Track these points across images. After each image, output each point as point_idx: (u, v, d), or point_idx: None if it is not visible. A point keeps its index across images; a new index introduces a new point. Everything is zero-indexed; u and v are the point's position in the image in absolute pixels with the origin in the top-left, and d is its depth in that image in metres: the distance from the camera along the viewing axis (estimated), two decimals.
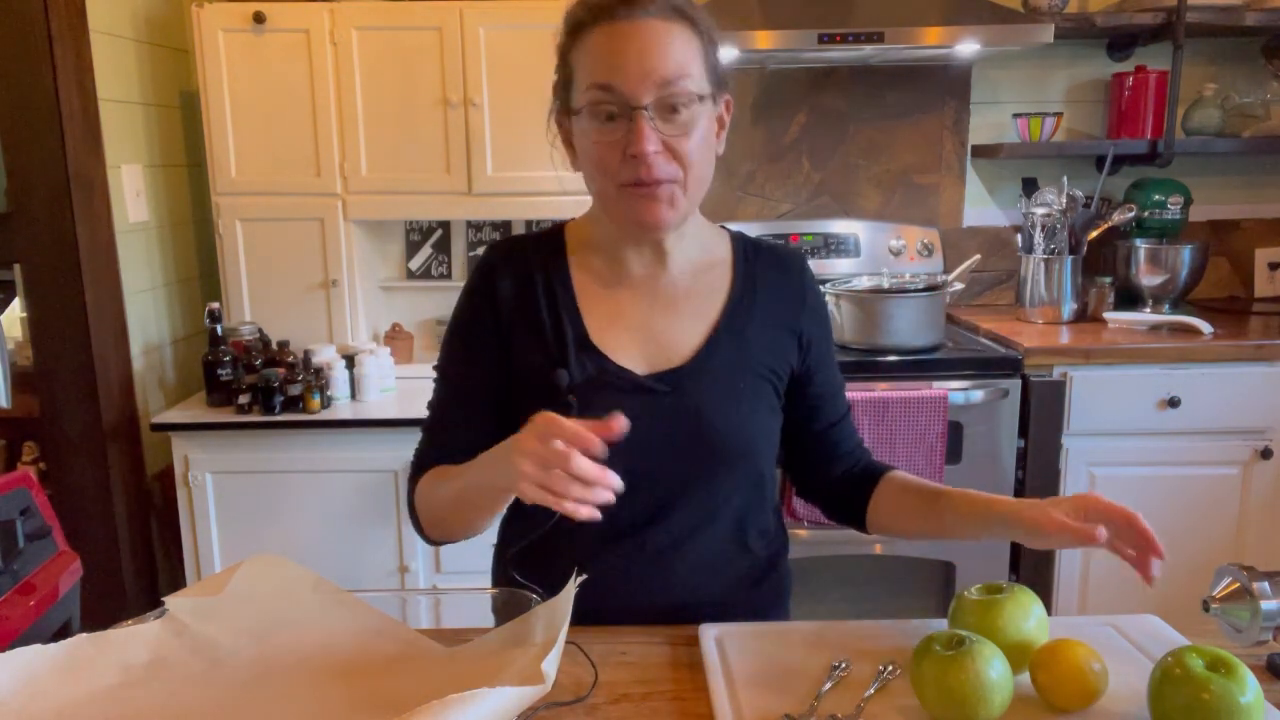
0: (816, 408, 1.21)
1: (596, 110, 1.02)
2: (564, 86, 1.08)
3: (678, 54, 1.01)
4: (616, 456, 1.05)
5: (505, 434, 0.94)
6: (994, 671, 0.85)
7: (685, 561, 1.13)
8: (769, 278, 1.18)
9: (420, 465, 1.16)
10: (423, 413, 1.19)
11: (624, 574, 1.12)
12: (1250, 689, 0.79)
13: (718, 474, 1.12)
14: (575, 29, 1.05)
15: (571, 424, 0.85)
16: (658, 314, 1.14)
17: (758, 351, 1.14)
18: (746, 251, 1.19)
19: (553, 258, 1.15)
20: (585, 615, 0.97)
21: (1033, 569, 2.42)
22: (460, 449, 1.06)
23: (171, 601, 0.96)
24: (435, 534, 1.15)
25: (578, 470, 0.84)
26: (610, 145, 1.02)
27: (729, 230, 1.22)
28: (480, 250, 2.77)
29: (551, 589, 0.95)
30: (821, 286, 1.31)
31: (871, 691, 0.92)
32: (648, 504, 1.10)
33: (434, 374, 1.18)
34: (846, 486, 1.22)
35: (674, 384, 1.11)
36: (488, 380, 1.13)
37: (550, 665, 0.79)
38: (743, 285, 1.16)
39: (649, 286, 1.14)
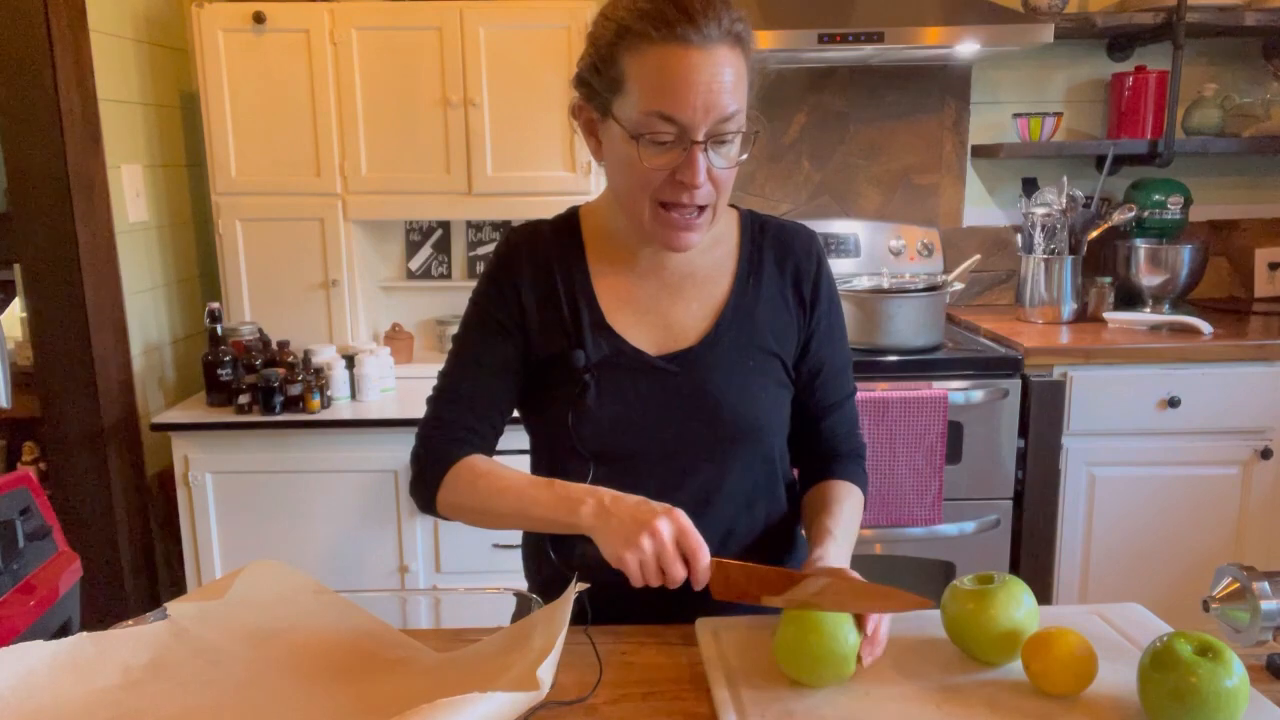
0: (813, 385, 1.22)
1: (653, 136, 1.02)
2: (606, 88, 1.05)
3: (737, 89, 1.02)
4: (632, 433, 1.12)
5: (520, 409, 1.18)
6: (840, 641, 0.91)
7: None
8: (776, 255, 1.20)
9: (432, 435, 1.17)
10: (423, 412, 1.18)
11: None
12: (1236, 673, 0.81)
13: (728, 451, 1.16)
14: (635, 36, 1.01)
15: (695, 536, 0.96)
16: (666, 296, 1.17)
17: (765, 329, 1.17)
18: (754, 230, 1.22)
19: (570, 243, 1.18)
20: (605, 589, 0.99)
21: (1033, 563, 2.43)
22: (477, 415, 1.16)
23: (174, 607, 0.97)
24: (456, 517, 1.15)
25: (673, 575, 0.96)
26: (658, 167, 1.04)
27: (738, 209, 1.24)
28: (480, 250, 2.77)
29: (572, 565, 1.00)
30: None
31: None
32: (661, 479, 1.13)
33: (450, 349, 1.21)
34: (807, 471, 1.27)
35: (684, 365, 1.15)
36: (508, 355, 1.17)
37: (546, 671, 0.79)
38: (749, 264, 1.19)
39: (657, 270, 1.18)
